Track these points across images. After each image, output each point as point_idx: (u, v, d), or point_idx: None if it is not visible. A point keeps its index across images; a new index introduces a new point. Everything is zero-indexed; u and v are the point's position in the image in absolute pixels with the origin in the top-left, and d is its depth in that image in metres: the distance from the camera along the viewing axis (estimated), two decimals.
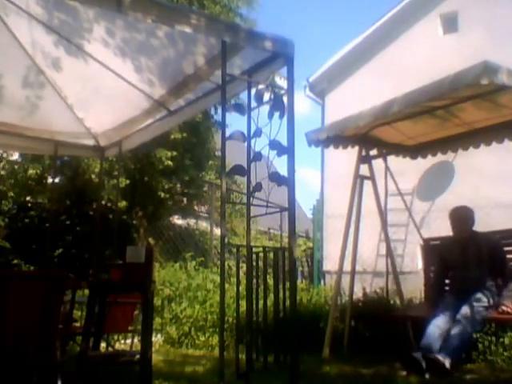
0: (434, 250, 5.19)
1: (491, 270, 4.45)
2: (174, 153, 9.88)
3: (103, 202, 9.20)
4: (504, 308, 4.24)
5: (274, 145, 3.31)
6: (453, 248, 4.71)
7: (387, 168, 5.53)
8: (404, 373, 4.27)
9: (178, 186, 10.91)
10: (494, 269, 4.46)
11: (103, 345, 4.69)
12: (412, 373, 4.16)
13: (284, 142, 3.27)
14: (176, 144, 9.91)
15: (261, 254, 3.58)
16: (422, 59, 9.99)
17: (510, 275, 4.48)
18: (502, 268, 4.50)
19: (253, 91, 3.51)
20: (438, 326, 4.24)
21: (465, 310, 4.24)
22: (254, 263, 3.52)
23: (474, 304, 4.25)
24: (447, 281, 4.86)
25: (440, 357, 3.95)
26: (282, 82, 3.86)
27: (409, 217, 6.31)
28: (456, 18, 10.43)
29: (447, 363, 3.92)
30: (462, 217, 4.66)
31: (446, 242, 4.90)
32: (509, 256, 4.67)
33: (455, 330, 4.13)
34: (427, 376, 4.02)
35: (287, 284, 3.39)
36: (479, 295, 4.32)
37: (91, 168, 9.62)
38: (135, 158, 9.76)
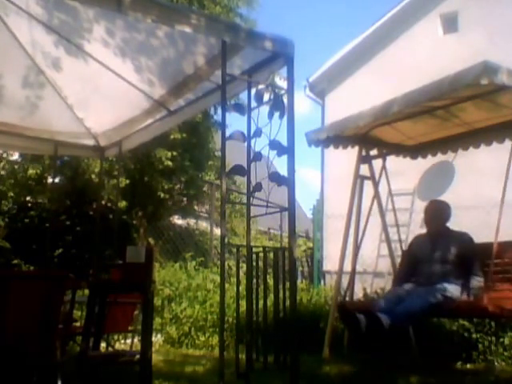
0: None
1: (459, 268, 4.39)
2: (174, 153, 9.88)
3: (103, 202, 9.20)
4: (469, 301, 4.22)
5: (273, 145, 3.31)
6: (423, 242, 4.69)
7: (384, 168, 5.53)
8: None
9: (178, 186, 10.92)
10: (462, 267, 4.38)
11: (103, 345, 4.69)
12: (352, 331, 4.21)
13: (284, 142, 3.27)
14: (176, 144, 9.91)
15: (261, 254, 3.58)
16: (422, 59, 10.00)
17: (474, 275, 4.40)
18: (470, 268, 4.39)
19: (253, 91, 3.51)
20: (388, 298, 4.32)
21: (421, 289, 4.26)
22: (254, 263, 3.52)
23: (433, 288, 4.23)
24: (413, 276, 4.81)
25: (380, 315, 3.99)
26: (281, 82, 3.86)
27: (410, 217, 6.34)
28: (456, 18, 10.43)
29: (385, 322, 3.95)
30: (435, 211, 4.65)
31: (418, 237, 4.87)
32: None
33: (405, 302, 4.16)
34: (364, 331, 4.05)
35: (287, 284, 3.38)
36: (441, 285, 4.27)
37: (91, 168, 9.62)
38: (135, 158, 9.76)
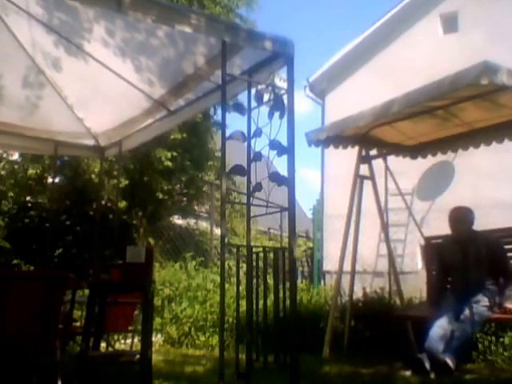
0: (434, 249, 5.19)
1: (491, 270, 4.46)
2: (174, 153, 9.88)
3: (103, 202, 9.20)
4: (510, 305, 4.27)
5: (273, 145, 3.31)
6: (452, 249, 4.71)
7: (387, 168, 5.53)
8: (408, 372, 4.29)
9: (178, 186, 10.92)
10: (494, 268, 4.45)
11: (103, 345, 4.69)
12: (416, 373, 4.19)
13: (284, 142, 3.27)
14: (176, 144, 9.91)
15: (261, 254, 3.58)
16: (422, 59, 9.99)
17: (510, 274, 4.49)
18: (502, 267, 4.50)
19: (253, 91, 3.51)
20: (440, 327, 4.27)
21: (467, 311, 4.27)
22: (254, 263, 3.52)
23: (475, 305, 4.28)
24: (449, 283, 4.85)
25: (445, 357, 4.01)
26: (281, 83, 3.86)
27: (409, 216, 6.34)
28: (456, 18, 10.42)
29: (452, 363, 3.99)
30: (460, 217, 4.66)
31: (446, 243, 4.89)
32: (509, 254, 4.68)
33: (458, 331, 4.18)
34: (432, 376, 4.08)
35: (287, 284, 3.39)
36: (480, 296, 4.34)
37: (91, 168, 9.62)
38: (135, 159, 9.76)
